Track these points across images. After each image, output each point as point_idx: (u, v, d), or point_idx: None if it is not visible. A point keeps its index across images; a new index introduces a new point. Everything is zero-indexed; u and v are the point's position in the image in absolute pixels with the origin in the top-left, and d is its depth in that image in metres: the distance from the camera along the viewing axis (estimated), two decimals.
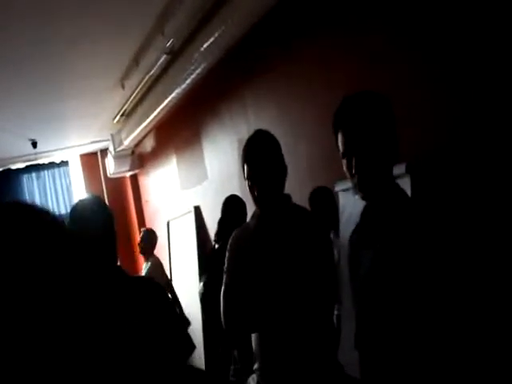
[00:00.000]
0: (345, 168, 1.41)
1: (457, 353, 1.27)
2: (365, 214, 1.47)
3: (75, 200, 6.60)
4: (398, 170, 2.04)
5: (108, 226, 1.75)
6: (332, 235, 3.27)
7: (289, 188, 3.49)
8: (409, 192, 2.22)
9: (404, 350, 1.28)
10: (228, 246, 2.14)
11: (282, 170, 2.06)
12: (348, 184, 2.74)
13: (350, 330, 2.52)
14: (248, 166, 2.01)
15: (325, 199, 3.15)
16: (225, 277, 2.07)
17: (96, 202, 1.86)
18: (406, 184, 2.24)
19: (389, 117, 1.41)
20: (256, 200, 2.04)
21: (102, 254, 1.68)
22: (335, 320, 3.16)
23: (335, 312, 3.16)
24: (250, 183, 2.02)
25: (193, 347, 1.79)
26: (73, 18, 3.55)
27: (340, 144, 1.40)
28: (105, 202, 1.94)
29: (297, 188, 3.36)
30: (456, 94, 2.26)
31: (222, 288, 2.06)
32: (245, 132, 4.17)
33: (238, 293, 2.01)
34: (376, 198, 1.39)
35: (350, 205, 2.72)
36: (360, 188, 1.38)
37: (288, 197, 2.13)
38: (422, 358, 1.26)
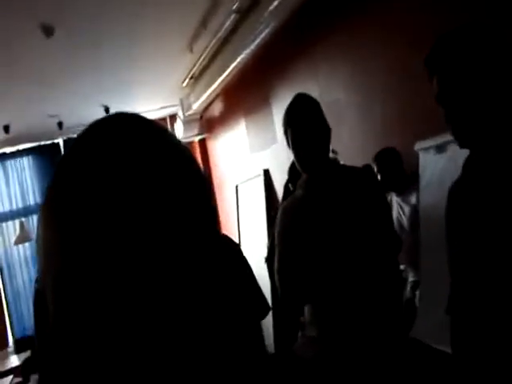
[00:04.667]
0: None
1: None
2: (467, 166, 1.33)
3: None
4: None
5: None
6: (395, 196, 3.16)
7: (364, 149, 3.39)
8: None
9: (505, 319, 1.17)
10: (277, 220, 2.07)
11: (327, 133, 1.97)
12: (428, 143, 2.60)
13: (431, 294, 2.42)
14: (292, 131, 1.93)
15: (390, 160, 3.05)
16: (277, 250, 2.01)
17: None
18: None
19: (498, 51, 1.21)
20: (302, 166, 1.96)
21: None
22: (409, 287, 3.05)
23: (411, 278, 3.06)
24: (294, 149, 1.94)
25: (268, 308, 1.77)
26: None
27: (434, 89, 1.27)
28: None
29: (372, 149, 3.24)
30: None
31: (275, 262, 2.00)
32: (316, 94, 4.04)
33: (292, 265, 1.94)
34: (477, 147, 1.25)
35: (432, 165, 2.57)
36: (455, 136, 1.25)
37: (335, 159, 2.04)
38: None
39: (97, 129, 0.56)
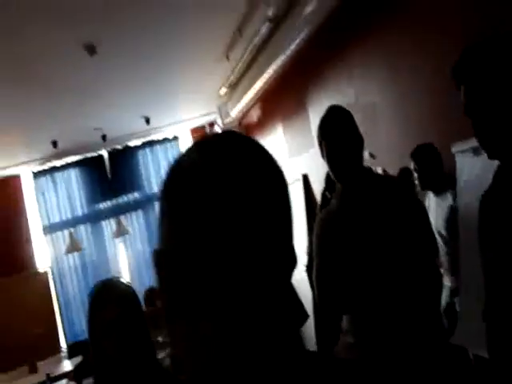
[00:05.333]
0: None
1: None
2: (497, 176, 1.32)
3: None
4: None
5: None
6: (431, 195, 3.09)
7: (401, 152, 3.37)
8: None
9: None
10: (314, 231, 2.10)
11: (360, 144, 2.00)
12: (466, 145, 2.56)
13: (471, 299, 2.38)
14: (326, 144, 1.97)
15: (428, 157, 3.00)
16: (315, 261, 2.04)
17: None
18: None
19: None
20: (337, 177, 2.00)
21: None
22: (448, 292, 2.99)
23: (449, 284, 3.00)
24: (329, 161, 1.98)
25: (306, 316, 1.79)
26: None
27: (462, 100, 1.27)
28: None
29: (410, 151, 3.22)
30: None
31: (314, 272, 2.03)
32: (351, 96, 4.04)
33: (329, 276, 1.97)
34: (506, 158, 1.24)
35: (469, 167, 2.53)
36: (483, 147, 1.25)
37: (369, 169, 2.07)
38: None
39: (208, 141, 0.65)
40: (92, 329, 1.63)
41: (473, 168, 2.44)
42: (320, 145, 2.03)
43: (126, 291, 1.67)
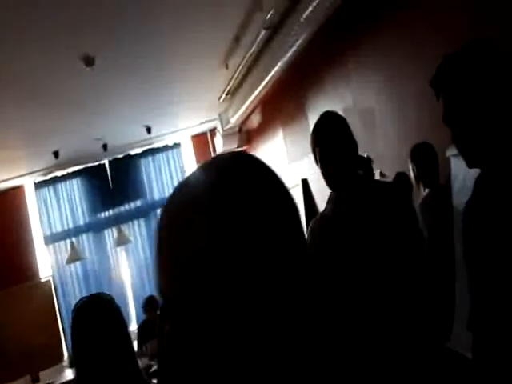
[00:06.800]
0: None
1: None
2: (478, 184, 1.33)
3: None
4: None
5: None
6: (429, 196, 3.09)
7: (398, 156, 3.39)
8: None
9: None
10: (307, 237, 2.08)
11: (354, 149, 2.00)
12: None
13: (466, 307, 2.36)
14: (319, 150, 1.97)
15: (425, 154, 3.04)
16: None
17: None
18: None
19: (504, 69, 1.19)
20: (330, 183, 2.00)
21: None
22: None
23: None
24: (322, 167, 1.98)
25: None
26: (174, 5, 3.65)
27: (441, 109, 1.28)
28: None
29: (407, 155, 3.23)
30: None
31: None
32: (349, 100, 4.06)
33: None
34: (486, 167, 1.24)
35: (464, 172, 2.52)
36: (462, 156, 1.26)
37: (363, 174, 2.06)
38: None
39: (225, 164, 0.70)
40: (75, 344, 1.65)
41: (468, 171, 2.42)
42: (314, 151, 2.03)
43: (110, 307, 1.69)
